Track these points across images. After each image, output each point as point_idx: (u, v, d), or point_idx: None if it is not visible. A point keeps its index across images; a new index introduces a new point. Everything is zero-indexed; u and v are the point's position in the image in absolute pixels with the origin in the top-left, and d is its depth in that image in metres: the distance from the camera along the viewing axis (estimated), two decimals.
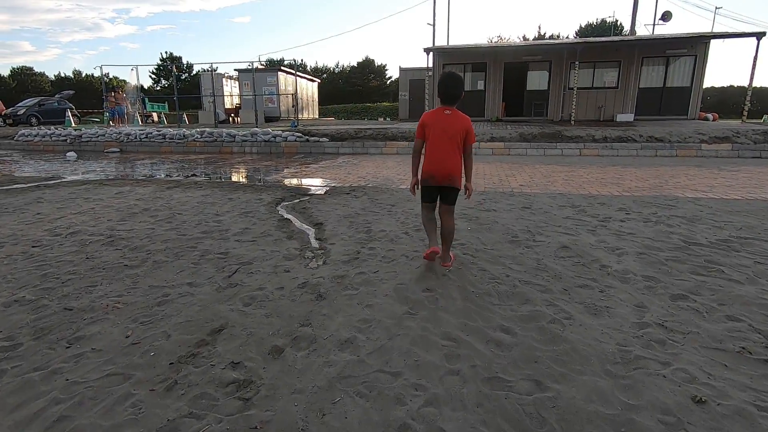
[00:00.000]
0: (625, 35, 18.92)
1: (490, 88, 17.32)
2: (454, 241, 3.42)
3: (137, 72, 15.87)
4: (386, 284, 2.81)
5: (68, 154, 12.32)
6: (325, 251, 3.51)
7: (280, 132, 12.88)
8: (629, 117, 15.90)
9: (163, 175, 8.26)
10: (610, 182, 6.68)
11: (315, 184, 6.80)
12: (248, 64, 20.53)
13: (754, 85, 13.49)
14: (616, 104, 16.37)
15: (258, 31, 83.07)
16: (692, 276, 2.89)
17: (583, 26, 41.74)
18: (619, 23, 40.22)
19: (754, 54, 13.22)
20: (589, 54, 16.08)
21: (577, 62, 13.71)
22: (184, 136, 13.45)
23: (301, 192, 6.13)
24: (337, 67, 54.05)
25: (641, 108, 16.14)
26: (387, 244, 3.66)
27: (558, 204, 5.10)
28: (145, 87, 56.32)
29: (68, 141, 14.07)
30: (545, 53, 16.55)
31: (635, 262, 3.18)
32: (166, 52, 57.05)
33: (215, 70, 20.02)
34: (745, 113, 13.65)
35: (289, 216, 4.78)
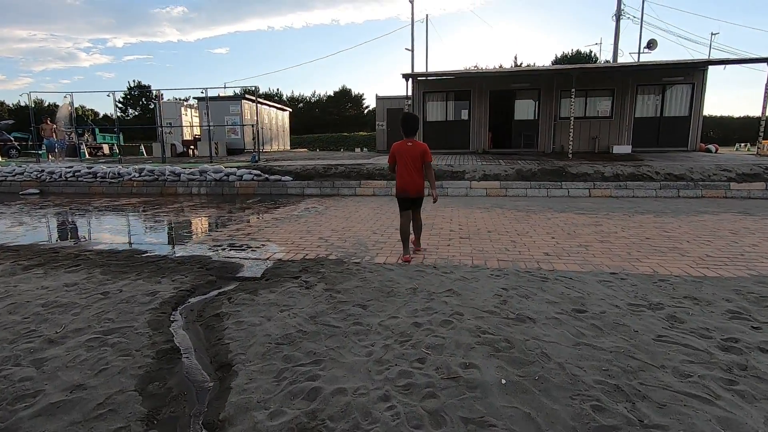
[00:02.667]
0: (614, 63, 18.08)
1: (475, 117, 15.88)
2: None
3: (72, 99, 13.70)
4: None
5: None
6: None
7: (234, 169, 10.87)
8: (626, 149, 14.61)
9: (47, 237, 6.08)
10: (663, 245, 4.90)
11: (253, 256, 4.77)
12: (218, 91, 18.67)
13: (748, 114, 12.39)
14: (611, 135, 15.10)
15: (236, 63, 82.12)
16: None
17: (558, 56, 41.96)
18: (593, 54, 40.61)
19: (766, 81, 12.17)
20: (580, 82, 14.87)
21: (573, 89, 12.37)
22: (118, 174, 11.27)
23: (227, 274, 4.08)
24: (313, 96, 52.98)
25: (638, 139, 14.91)
26: None
27: (624, 299, 3.22)
28: (109, 115, 54.00)
29: None
30: (534, 80, 15.30)
31: None
32: (134, 81, 54.86)
33: (165, 99, 18.05)
34: (763, 143, 12.52)
35: (184, 339, 2.74)
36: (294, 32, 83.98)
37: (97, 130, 22.29)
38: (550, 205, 8.10)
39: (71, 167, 11.71)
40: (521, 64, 44.55)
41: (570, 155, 12.54)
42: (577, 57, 39.17)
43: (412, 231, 4.62)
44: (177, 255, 4.74)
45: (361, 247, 4.94)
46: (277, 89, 56.61)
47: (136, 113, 51.83)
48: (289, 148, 25.11)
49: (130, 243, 5.50)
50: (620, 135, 15.03)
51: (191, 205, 8.77)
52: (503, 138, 16.37)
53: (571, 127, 12.50)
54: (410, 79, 14.51)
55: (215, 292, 3.59)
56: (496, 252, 4.66)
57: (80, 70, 75.18)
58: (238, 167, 11.20)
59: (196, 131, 20.75)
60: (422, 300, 3.26)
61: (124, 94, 50.80)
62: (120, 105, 52.06)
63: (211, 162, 13.06)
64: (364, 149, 29.25)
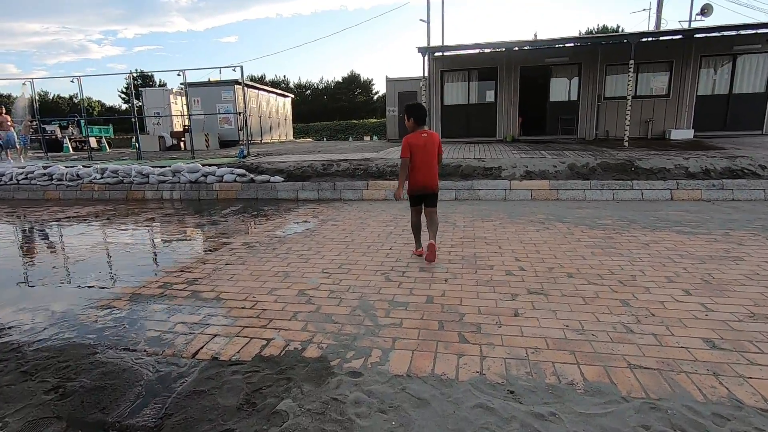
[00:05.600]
0: (682, 28, 15.14)
1: (502, 99, 13.55)
2: None
3: (32, 85, 11.77)
4: None
5: None
6: None
7: (215, 168, 8.84)
8: (687, 133, 12.20)
9: None
10: None
11: (168, 350, 2.74)
12: (208, 75, 16.64)
13: None
14: (667, 117, 12.66)
15: (245, 51, 79.93)
16: None
17: (582, 33, 38.81)
18: (620, 29, 37.29)
19: None
20: (626, 54, 12.42)
21: (631, 60, 9.96)
22: (77, 176, 9.34)
23: (92, 411, 2.04)
24: (321, 83, 50.74)
25: (701, 121, 12.45)
26: None
27: None
28: (116, 106, 52.44)
29: None
30: (574, 54, 12.88)
31: None
32: (136, 70, 53.16)
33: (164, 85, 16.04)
34: None
35: None
36: (302, 19, 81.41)
37: (83, 122, 20.42)
38: (625, 214, 5.90)
39: (23, 168, 9.82)
40: None
41: (625, 142, 10.22)
42: (604, 33, 36.02)
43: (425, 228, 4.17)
44: (34, 343, 2.73)
45: (366, 319, 2.86)
46: (284, 76, 54.70)
47: (140, 103, 50.37)
48: (291, 137, 23.05)
49: None
50: (679, 117, 12.58)
51: (149, 218, 6.78)
52: (536, 123, 14.03)
53: (628, 107, 10.13)
54: (426, 55, 12.22)
55: None
56: (614, 337, 2.53)
57: (92, 62, 74.34)
58: (220, 165, 9.18)
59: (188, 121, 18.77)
60: None
61: (127, 83, 49.28)
62: (122, 96, 50.66)
63: (193, 157, 11.07)
64: (374, 137, 27.07)
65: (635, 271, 3.65)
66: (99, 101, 56.87)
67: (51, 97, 53.53)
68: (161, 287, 3.59)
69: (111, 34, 75.94)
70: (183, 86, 16.80)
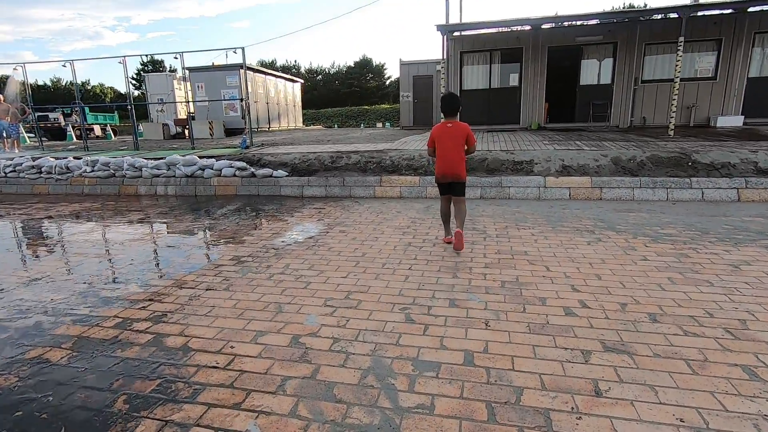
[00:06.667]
0: None
1: (527, 83, 12.42)
2: None
3: (24, 71, 11.04)
4: None
5: None
6: None
7: (213, 161, 8.04)
8: (736, 120, 10.97)
9: None
10: None
11: None
12: (212, 59, 15.78)
13: None
14: (713, 102, 11.43)
15: (258, 36, 78.88)
16: None
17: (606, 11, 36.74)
18: (645, 4, 35.18)
19: None
20: (669, 31, 11.18)
21: (681, 37, 8.77)
22: (67, 168, 8.64)
23: None
24: (332, 68, 49.51)
25: (751, 107, 11.19)
26: None
27: None
28: (122, 92, 51.98)
29: None
30: (609, 31, 11.64)
31: None
32: (147, 56, 52.49)
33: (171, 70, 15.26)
34: None
35: None
36: (315, 2, 79.47)
37: (87, 110, 19.83)
38: (690, 220, 4.92)
39: (11, 159, 9.15)
40: None
41: (671, 131, 9.10)
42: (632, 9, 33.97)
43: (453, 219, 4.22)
44: None
45: (382, 396, 2.02)
46: (295, 61, 53.67)
47: (144, 90, 49.94)
48: (301, 125, 22.17)
49: None
50: (726, 102, 11.33)
51: (134, 220, 6.02)
52: (564, 109, 12.89)
53: (676, 90, 8.98)
54: (445, 35, 11.14)
55: None
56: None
57: (107, 49, 74.36)
58: (219, 157, 8.37)
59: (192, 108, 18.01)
60: None
61: (137, 70, 48.79)
62: (134, 82, 50.15)
63: (193, 147, 10.29)
64: (387, 124, 26.03)
65: (740, 311, 2.73)
66: (112, 87, 56.54)
67: (63, 84, 53.38)
68: (117, 327, 2.79)
69: (125, 21, 75.77)
70: (186, 71, 16.00)
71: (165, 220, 5.94)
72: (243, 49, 9.49)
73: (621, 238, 4.33)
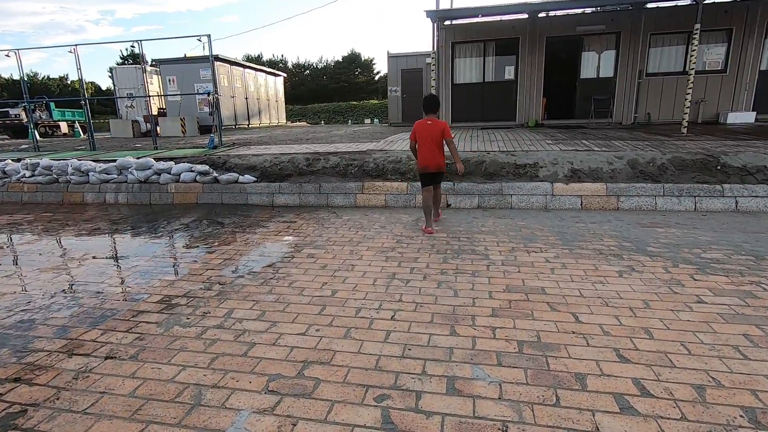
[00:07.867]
0: None
1: (524, 76, 11.52)
2: None
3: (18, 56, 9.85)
4: None
5: None
6: None
7: (171, 165, 7.00)
8: (748, 116, 10.23)
9: None
10: None
11: None
12: (184, 50, 14.63)
13: None
14: (722, 97, 10.66)
15: (247, 30, 77.11)
16: None
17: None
18: None
19: None
20: (678, 20, 10.38)
21: (697, 25, 7.92)
22: (4, 173, 7.53)
23: None
24: (320, 62, 48.19)
25: (762, 103, 10.45)
26: None
27: None
28: (108, 88, 50.05)
29: None
30: (612, 20, 10.78)
31: None
32: (127, 49, 50.56)
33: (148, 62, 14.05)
34: None
35: None
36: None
37: (52, 105, 18.45)
38: (734, 238, 4.07)
39: None
40: None
41: (684, 128, 8.28)
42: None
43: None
44: None
45: None
46: (282, 55, 52.27)
47: (113, 84, 48.16)
48: (284, 121, 21.06)
49: None
50: (736, 97, 10.57)
51: (66, 236, 4.98)
52: (562, 104, 12.04)
53: (690, 84, 8.16)
54: (435, 23, 10.18)
55: None
56: None
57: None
58: (181, 159, 7.33)
59: (161, 102, 16.81)
60: None
61: (117, 63, 46.94)
62: (109, 74, 48.29)
63: (156, 147, 9.20)
64: (375, 120, 25.02)
65: None
66: (92, 83, 54.53)
67: (40, 79, 51.29)
68: None
69: (109, 14, 73.28)
70: (155, 63, 14.83)
71: (97, 240, 4.92)
72: (209, 36, 8.44)
73: (658, 267, 3.45)
